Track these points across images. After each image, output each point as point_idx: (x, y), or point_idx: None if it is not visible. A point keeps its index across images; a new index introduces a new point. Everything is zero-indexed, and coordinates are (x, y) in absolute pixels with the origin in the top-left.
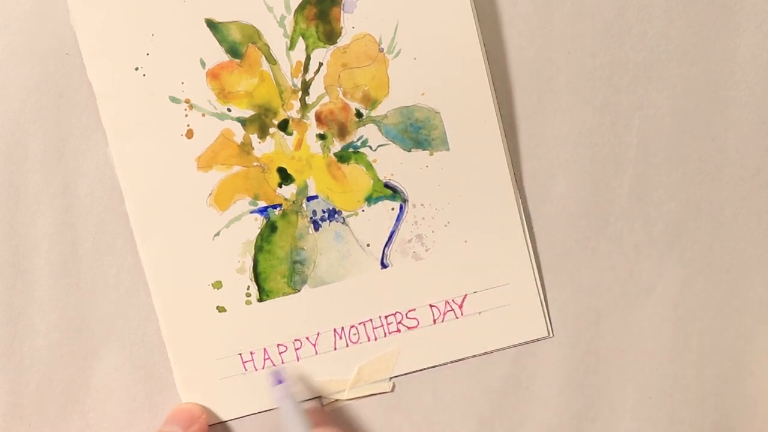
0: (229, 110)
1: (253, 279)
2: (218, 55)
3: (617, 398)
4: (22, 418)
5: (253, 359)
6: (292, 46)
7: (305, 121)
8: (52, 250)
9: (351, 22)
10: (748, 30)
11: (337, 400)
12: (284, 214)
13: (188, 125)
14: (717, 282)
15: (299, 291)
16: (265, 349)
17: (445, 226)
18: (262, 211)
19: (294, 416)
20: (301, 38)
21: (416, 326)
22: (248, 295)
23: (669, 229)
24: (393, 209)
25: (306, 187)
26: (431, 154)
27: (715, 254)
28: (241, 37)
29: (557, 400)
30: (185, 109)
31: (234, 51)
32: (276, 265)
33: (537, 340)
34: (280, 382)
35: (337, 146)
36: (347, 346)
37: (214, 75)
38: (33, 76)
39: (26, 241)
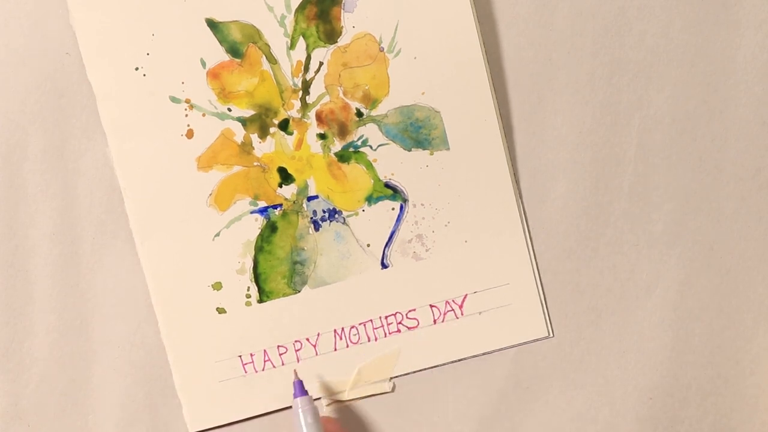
0: (229, 110)
1: (253, 280)
2: (219, 54)
3: (617, 398)
4: (22, 418)
5: (253, 361)
6: (292, 46)
7: (306, 120)
8: (52, 250)
9: (351, 22)
10: (748, 30)
11: (337, 400)
12: (284, 214)
13: (188, 125)
14: (717, 282)
15: (299, 292)
16: (265, 351)
17: (445, 226)
18: (263, 211)
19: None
20: (301, 38)
21: (416, 326)
22: (248, 296)
23: (669, 229)
24: (393, 209)
25: (306, 186)
26: (431, 154)
27: (715, 254)
28: (241, 36)
29: (557, 400)
30: (185, 109)
31: (234, 51)
32: (276, 265)
33: (537, 340)
34: (302, 394)
35: (337, 146)
36: (347, 346)
37: (214, 75)
38: (33, 76)
39: (26, 241)
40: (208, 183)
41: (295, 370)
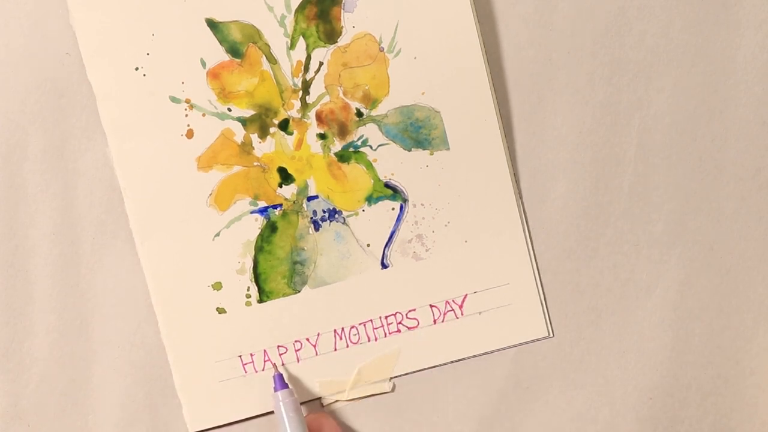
0: (229, 110)
1: (253, 280)
2: (219, 54)
3: (617, 398)
4: (22, 419)
5: (253, 361)
6: (292, 46)
7: (306, 120)
8: (52, 250)
9: (351, 22)
10: (748, 30)
11: (337, 400)
12: (284, 214)
13: (188, 125)
14: (717, 282)
15: (299, 292)
16: (265, 351)
17: (445, 226)
18: (263, 211)
19: (294, 425)
20: (301, 38)
21: (416, 326)
22: (248, 296)
23: (669, 229)
24: (393, 209)
25: (306, 186)
26: (431, 154)
27: (715, 254)
28: (241, 36)
29: (557, 400)
30: (185, 109)
31: (234, 51)
32: (276, 265)
33: (537, 340)
34: (283, 387)
35: (337, 146)
36: (347, 346)
37: (214, 75)
38: (33, 76)
39: (26, 241)
40: (208, 183)
41: (274, 364)
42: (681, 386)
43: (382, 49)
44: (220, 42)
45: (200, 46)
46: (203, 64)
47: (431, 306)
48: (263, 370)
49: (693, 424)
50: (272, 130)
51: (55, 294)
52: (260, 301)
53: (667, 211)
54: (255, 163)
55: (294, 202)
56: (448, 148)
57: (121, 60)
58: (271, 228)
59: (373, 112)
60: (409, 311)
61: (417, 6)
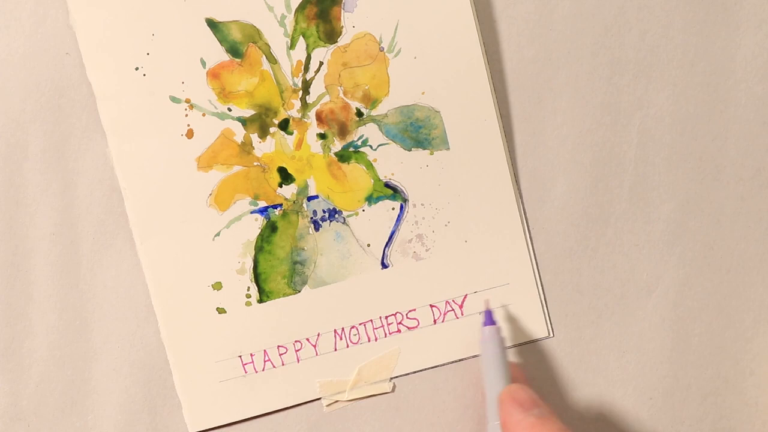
0: (229, 110)
1: (253, 280)
2: (219, 54)
3: (617, 398)
4: (22, 419)
5: (253, 361)
6: (292, 46)
7: (306, 120)
8: (52, 250)
9: (351, 22)
10: (748, 30)
11: (337, 401)
12: (285, 214)
13: (188, 125)
14: (717, 282)
15: (299, 292)
16: (265, 351)
17: (445, 226)
18: (263, 211)
19: (498, 362)
20: (301, 37)
21: (416, 326)
22: (248, 296)
23: (669, 229)
24: (393, 209)
25: (306, 186)
26: (431, 154)
27: (715, 254)
28: (241, 36)
29: (557, 400)
30: (185, 109)
31: (234, 50)
32: (276, 265)
33: (537, 340)
34: (491, 323)
35: (337, 146)
36: (347, 346)
37: (214, 74)
38: (33, 76)
39: (26, 241)
40: (208, 183)
41: (487, 300)
42: (681, 386)
43: (382, 49)
44: (220, 42)
45: (200, 46)
46: (203, 64)
47: (431, 306)
48: (263, 370)
49: (693, 424)
50: (272, 129)
51: (55, 294)
52: (260, 301)
53: (667, 211)
54: (255, 163)
55: (294, 202)
56: (448, 148)
57: (121, 60)
58: (271, 228)
59: (373, 112)
60: (409, 311)
61: (417, 6)
